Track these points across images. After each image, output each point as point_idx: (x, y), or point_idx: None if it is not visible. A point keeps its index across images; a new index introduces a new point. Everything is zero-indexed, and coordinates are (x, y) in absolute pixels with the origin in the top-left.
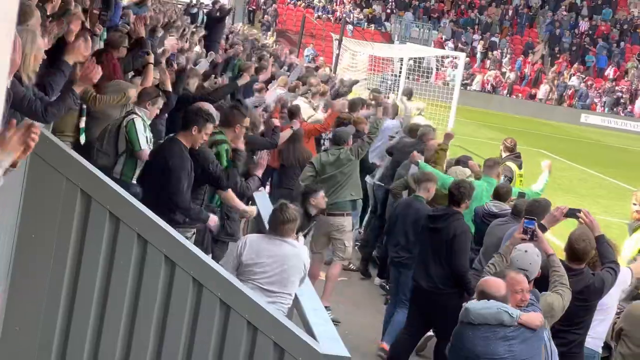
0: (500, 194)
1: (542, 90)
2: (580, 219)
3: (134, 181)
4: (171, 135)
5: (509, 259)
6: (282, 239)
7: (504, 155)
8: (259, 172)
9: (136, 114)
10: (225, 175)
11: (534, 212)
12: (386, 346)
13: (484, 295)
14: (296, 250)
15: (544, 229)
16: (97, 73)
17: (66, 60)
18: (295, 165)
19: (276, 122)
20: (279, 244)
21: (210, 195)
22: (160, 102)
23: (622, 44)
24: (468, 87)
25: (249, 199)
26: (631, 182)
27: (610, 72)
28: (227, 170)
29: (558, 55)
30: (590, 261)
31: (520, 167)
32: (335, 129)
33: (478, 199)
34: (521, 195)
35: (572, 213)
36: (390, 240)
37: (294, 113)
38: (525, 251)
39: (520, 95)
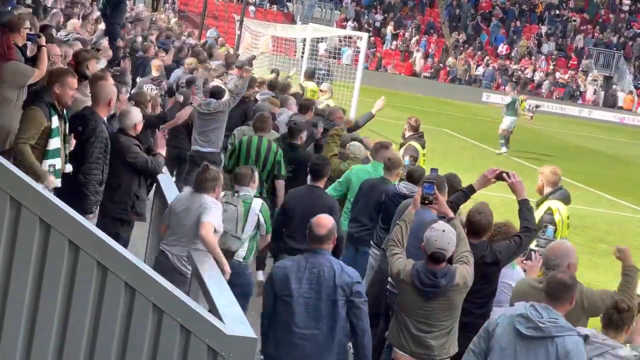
0: (413, 178)
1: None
2: (507, 181)
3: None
4: None
5: (411, 226)
6: (198, 194)
7: (407, 134)
8: (162, 150)
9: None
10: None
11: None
12: None
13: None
14: (203, 200)
15: (472, 190)
16: None
17: None
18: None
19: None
20: (194, 197)
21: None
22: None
23: (518, 23)
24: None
25: (153, 181)
26: (533, 161)
27: (503, 49)
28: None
29: (461, 41)
30: (491, 236)
31: (423, 146)
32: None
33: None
34: (434, 170)
35: (500, 175)
36: (352, 219)
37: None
38: (443, 231)
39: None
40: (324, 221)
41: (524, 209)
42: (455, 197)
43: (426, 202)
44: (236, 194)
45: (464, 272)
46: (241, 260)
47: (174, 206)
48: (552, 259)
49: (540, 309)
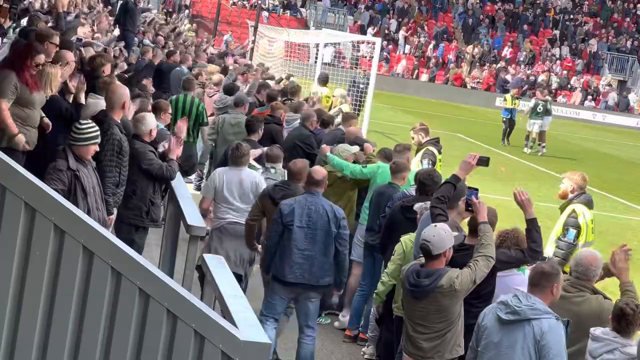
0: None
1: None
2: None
3: None
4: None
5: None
6: (240, 168)
7: (425, 139)
8: (174, 156)
9: None
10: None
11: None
12: (351, 332)
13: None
14: (248, 173)
15: (457, 179)
16: None
17: None
18: None
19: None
20: (241, 172)
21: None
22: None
23: (530, 27)
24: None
25: (167, 186)
26: (546, 164)
27: (507, 53)
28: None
29: (477, 57)
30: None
31: (440, 151)
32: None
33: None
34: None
35: (481, 160)
36: (367, 228)
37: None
38: (435, 226)
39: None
40: (320, 169)
41: (533, 230)
42: (444, 190)
43: (470, 208)
44: (273, 170)
45: (453, 275)
46: None
47: (226, 182)
48: (593, 270)
49: (520, 296)
